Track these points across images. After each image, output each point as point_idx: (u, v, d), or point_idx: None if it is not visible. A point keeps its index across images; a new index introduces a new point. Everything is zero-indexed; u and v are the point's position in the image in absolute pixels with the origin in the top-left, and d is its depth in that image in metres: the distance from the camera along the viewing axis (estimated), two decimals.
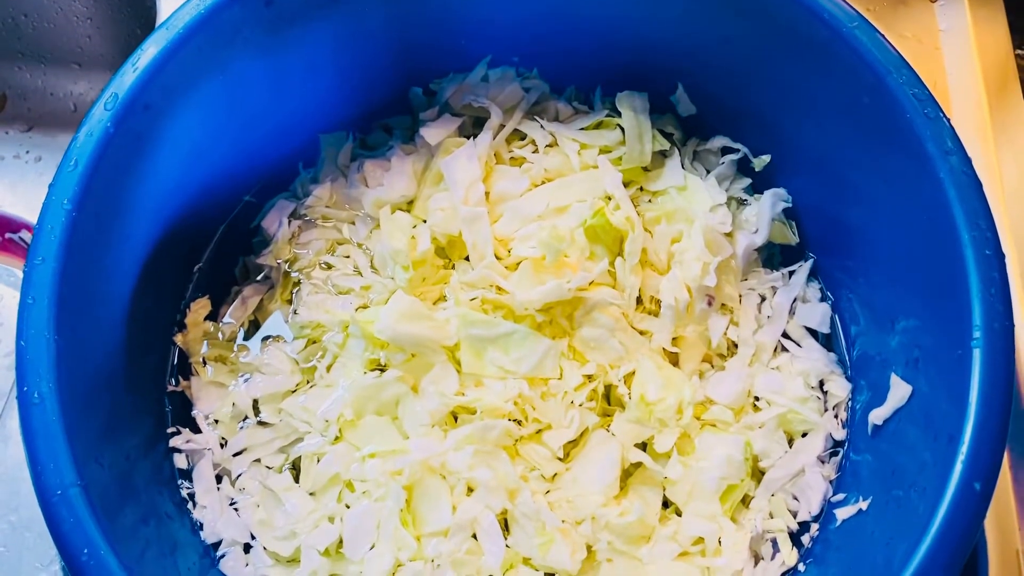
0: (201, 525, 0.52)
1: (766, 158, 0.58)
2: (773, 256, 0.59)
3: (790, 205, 0.58)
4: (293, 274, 0.58)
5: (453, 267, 0.57)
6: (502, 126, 0.59)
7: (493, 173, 0.58)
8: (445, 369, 0.53)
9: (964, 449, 0.42)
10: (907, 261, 0.50)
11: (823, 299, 0.57)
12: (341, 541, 0.50)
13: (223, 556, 0.51)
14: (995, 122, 0.63)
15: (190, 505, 0.52)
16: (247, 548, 0.52)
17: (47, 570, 0.54)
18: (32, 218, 0.46)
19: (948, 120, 0.47)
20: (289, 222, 0.59)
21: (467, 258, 0.56)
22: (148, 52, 0.48)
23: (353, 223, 0.59)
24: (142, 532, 0.46)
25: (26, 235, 0.65)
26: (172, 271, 0.56)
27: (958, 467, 0.41)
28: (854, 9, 0.48)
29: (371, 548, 0.50)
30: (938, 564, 0.41)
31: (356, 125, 0.61)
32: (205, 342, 0.56)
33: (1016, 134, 0.63)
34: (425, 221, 0.57)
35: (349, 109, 0.60)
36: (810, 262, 0.58)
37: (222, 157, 0.56)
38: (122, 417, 0.49)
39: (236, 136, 0.56)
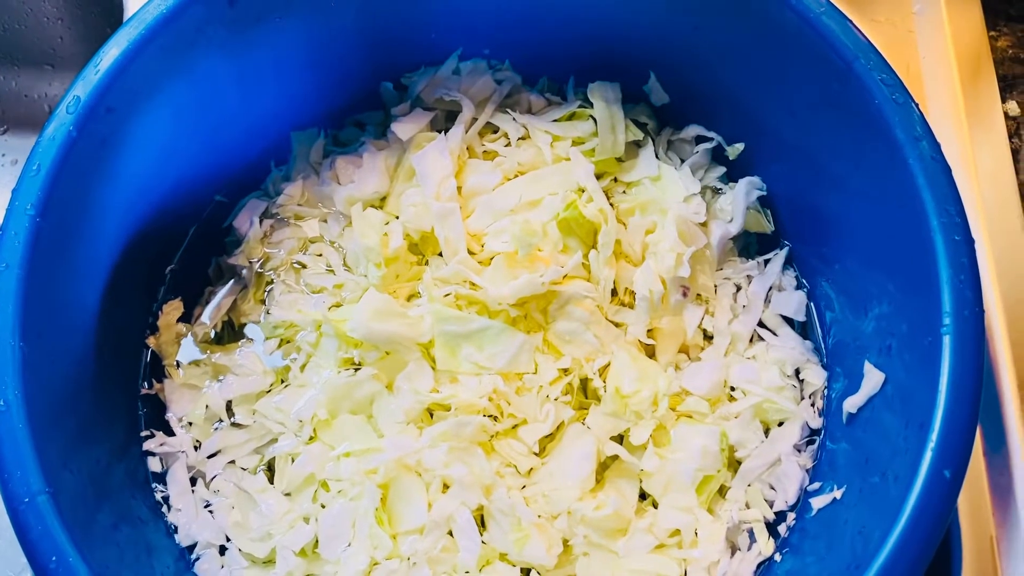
0: (176, 528, 0.52)
1: (740, 146, 0.57)
2: (749, 245, 0.59)
3: (765, 193, 0.57)
4: (266, 273, 0.57)
5: (426, 263, 0.56)
6: (474, 119, 0.59)
7: (465, 168, 0.58)
8: (419, 366, 0.53)
9: (934, 436, 0.42)
10: (880, 248, 0.50)
11: (799, 287, 0.57)
12: (317, 541, 0.50)
13: (198, 559, 0.51)
14: (968, 105, 0.62)
15: (164, 508, 0.52)
16: (222, 550, 0.52)
17: None
18: None
19: (917, 106, 0.47)
20: (261, 221, 0.58)
21: (440, 254, 0.55)
22: (110, 54, 0.47)
23: (325, 221, 0.58)
24: (115, 537, 0.46)
25: None
26: (143, 273, 0.56)
27: (928, 455, 0.41)
28: None
29: (347, 547, 0.50)
30: (910, 550, 0.41)
31: (328, 122, 0.60)
32: (179, 344, 0.56)
33: (990, 117, 0.62)
34: (398, 218, 0.56)
35: (320, 106, 0.59)
36: (785, 250, 0.57)
37: (191, 158, 0.55)
38: (93, 422, 0.49)
39: (205, 136, 0.55)
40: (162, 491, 0.52)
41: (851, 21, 0.48)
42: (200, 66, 0.51)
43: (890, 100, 0.47)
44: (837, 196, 0.53)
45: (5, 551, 0.54)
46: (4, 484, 0.41)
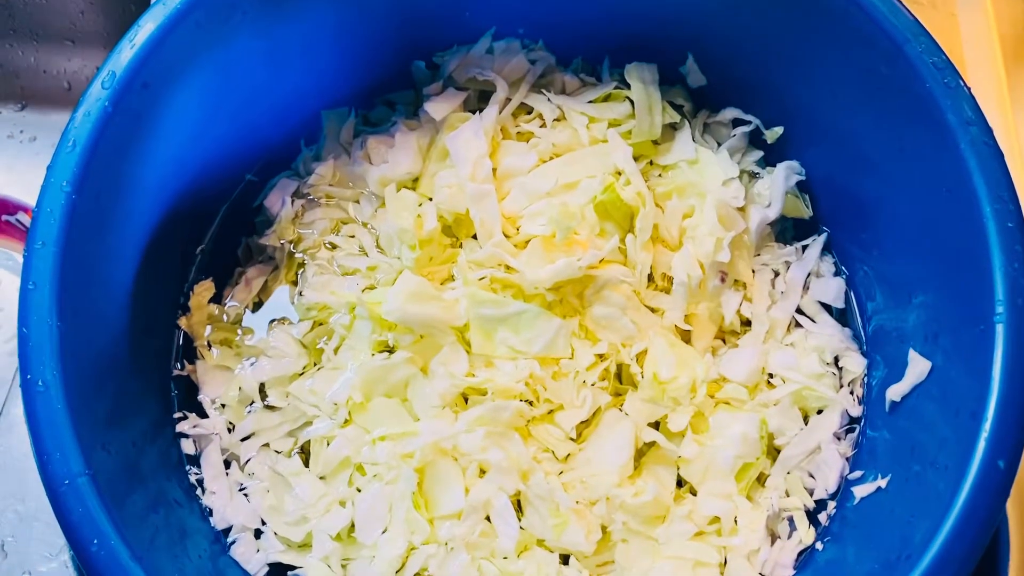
0: (211, 511, 0.51)
1: (779, 130, 0.56)
2: (786, 230, 0.58)
3: (803, 178, 0.57)
4: (297, 255, 0.57)
5: (460, 246, 0.56)
6: (508, 100, 0.58)
7: (500, 148, 0.57)
8: (455, 350, 0.52)
9: (987, 426, 0.41)
10: (925, 234, 0.49)
11: (837, 273, 0.56)
12: (353, 525, 0.50)
13: (234, 542, 0.51)
14: (1013, 90, 0.61)
15: (199, 491, 0.52)
16: (258, 534, 0.51)
17: (56, 559, 0.53)
18: (29, 199, 0.45)
19: (968, 89, 0.46)
20: (292, 201, 0.57)
21: (475, 236, 0.55)
22: (145, 28, 0.47)
23: (358, 201, 0.58)
24: (151, 520, 0.46)
25: (24, 217, 0.64)
26: (175, 253, 0.55)
27: (981, 444, 0.41)
28: None
29: (383, 532, 0.50)
30: (963, 543, 0.40)
31: (358, 101, 0.60)
32: (209, 325, 0.55)
33: None
34: (431, 199, 0.56)
35: (350, 84, 0.59)
36: (824, 236, 0.57)
37: (223, 135, 0.55)
38: (128, 403, 0.48)
39: (236, 113, 0.54)
40: (196, 473, 0.52)
41: (900, 2, 0.47)
42: (233, 42, 0.50)
43: (941, 83, 0.46)
44: (879, 181, 0.52)
45: (42, 533, 0.53)
46: (44, 466, 0.41)
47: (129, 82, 0.46)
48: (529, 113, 0.59)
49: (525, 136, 0.58)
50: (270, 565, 0.50)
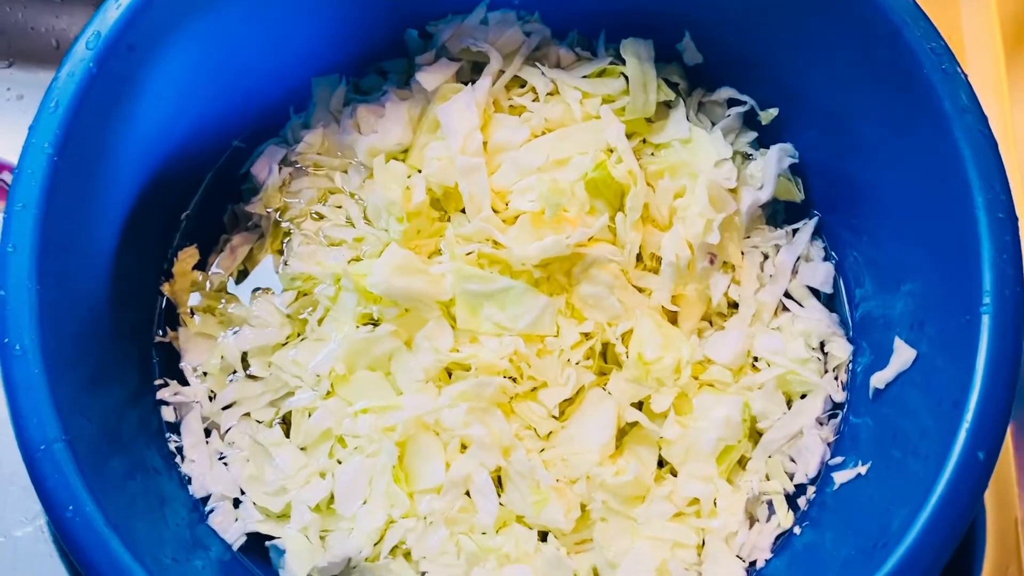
0: (189, 479, 0.51)
1: (774, 111, 0.56)
2: (777, 213, 0.58)
3: (797, 161, 0.56)
4: (284, 224, 0.56)
5: (449, 220, 0.55)
6: (501, 72, 0.57)
7: (492, 122, 0.56)
8: (440, 324, 0.52)
9: (969, 416, 0.41)
10: (916, 221, 0.49)
11: (827, 258, 0.56)
12: (332, 497, 0.50)
13: (212, 511, 0.51)
14: (1011, 77, 0.61)
15: (178, 459, 0.52)
16: (236, 503, 0.51)
17: (32, 524, 0.53)
18: (14, 159, 0.44)
19: (965, 76, 0.46)
20: (280, 169, 0.57)
21: (463, 211, 0.54)
22: None
23: (346, 172, 0.57)
24: (129, 487, 0.45)
25: (7, 176, 0.63)
26: (159, 218, 0.54)
27: (962, 435, 0.41)
28: None
29: (363, 504, 0.50)
30: (940, 532, 0.40)
31: (349, 68, 0.59)
32: (193, 292, 0.55)
33: None
34: (420, 171, 0.55)
35: (342, 51, 0.58)
36: (815, 220, 0.56)
37: (210, 100, 0.54)
38: (108, 369, 0.48)
39: (224, 78, 0.53)
40: (176, 441, 0.52)
41: None
42: (222, 4, 0.49)
43: (939, 69, 0.46)
44: (872, 166, 0.52)
45: (18, 498, 0.53)
46: (20, 431, 0.41)
47: (114, 43, 0.45)
48: (522, 86, 0.58)
49: (518, 110, 0.57)
50: (248, 535, 0.50)
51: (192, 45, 0.49)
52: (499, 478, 0.51)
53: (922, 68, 0.46)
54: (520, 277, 0.52)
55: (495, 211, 0.53)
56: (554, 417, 0.51)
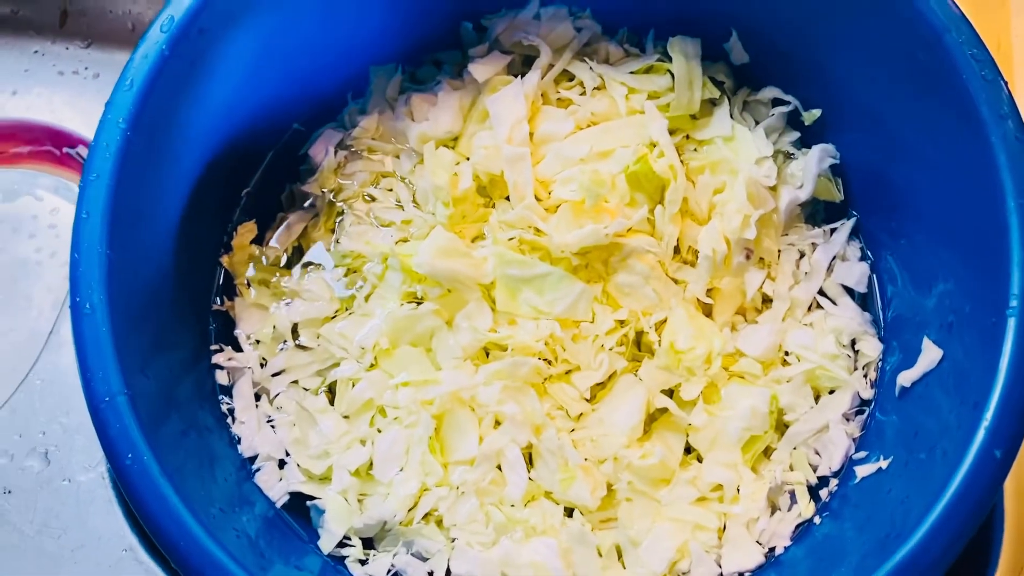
0: (239, 439, 0.54)
1: (816, 112, 0.57)
2: (816, 212, 0.59)
3: (837, 162, 0.57)
4: (337, 204, 0.59)
5: (493, 206, 0.57)
6: (551, 66, 0.59)
7: (539, 114, 0.58)
8: (479, 306, 0.54)
9: (989, 416, 0.42)
10: (950, 225, 0.49)
11: (863, 258, 0.57)
12: (371, 463, 0.52)
13: (258, 470, 0.54)
14: None
15: (229, 420, 0.54)
16: (281, 464, 0.54)
17: (94, 471, 0.57)
18: (89, 134, 0.47)
19: (1006, 84, 0.46)
20: (335, 152, 0.59)
21: (507, 198, 0.56)
22: None
23: (398, 157, 0.59)
24: (183, 443, 0.48)
25: (83, 150, 0.66)
26: (220, 194, 0.57)
27: (980, 433, 0.42)
28: None
29: (400, 471, 0.52)
30: (951, 526, 0.41)
31: (406, 58, 0.61)
32: (250, 265, 0.58)
33: None
34: (468, 159, 0.57)
35: (400, 42, 0.60)
36: (852, 220, 0.57)
37: (273, 84, 0.56)
38: (168, 332, 0.51)
39: (288, 64, 0.56)
40: (228, 403, 0.55)
41: None
42: None
43: (978, 76, 0.46)
44: (910, 169, 0.52)
45: (83, 446, 0.57)
46: (87, 383, 0.44)
47: (187, 27, 0.48)
48: (571, 80, 0.60)
49: (565, 103, 0.59)
50: (290, 494, 0.53)
51: (259, 31, 0.52)
52: (530, 455, 0.53)
53: (961, 74, 0.46)
54: (559, 264, 0.54)
55: (538, 199, 0.55)
56: (585, 399, 0.53)
